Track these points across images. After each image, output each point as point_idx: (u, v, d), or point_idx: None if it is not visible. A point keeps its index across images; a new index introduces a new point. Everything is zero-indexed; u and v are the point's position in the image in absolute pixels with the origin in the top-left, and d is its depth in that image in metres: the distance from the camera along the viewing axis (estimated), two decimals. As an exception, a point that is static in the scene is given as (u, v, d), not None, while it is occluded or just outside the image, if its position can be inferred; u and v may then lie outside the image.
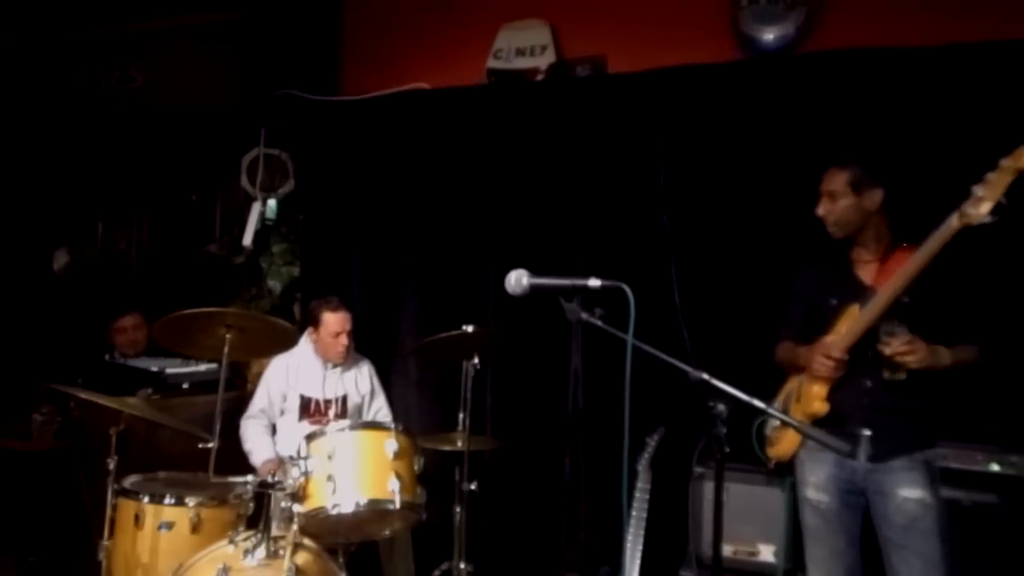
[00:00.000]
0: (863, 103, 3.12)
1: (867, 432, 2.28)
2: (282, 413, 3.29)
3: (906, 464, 2.27)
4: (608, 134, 3.50)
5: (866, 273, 2.40)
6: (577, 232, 3.52)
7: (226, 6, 4.39)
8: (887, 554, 2.28)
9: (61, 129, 4.78)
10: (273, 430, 3.29)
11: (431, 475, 2.68)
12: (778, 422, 2.52)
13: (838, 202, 2.36)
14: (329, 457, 2.45)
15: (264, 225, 4.13)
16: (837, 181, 2.36)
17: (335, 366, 3.32)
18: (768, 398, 2.67)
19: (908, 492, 2.24)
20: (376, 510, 2.49)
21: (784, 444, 2.49)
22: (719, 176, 3.32)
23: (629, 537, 2.52)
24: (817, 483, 2.37)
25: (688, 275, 3.31)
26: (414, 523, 2.64)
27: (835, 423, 2.27)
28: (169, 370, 3.38)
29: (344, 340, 3.24)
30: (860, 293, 2.35)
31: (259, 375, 3.38)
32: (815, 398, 2.34)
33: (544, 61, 3.66)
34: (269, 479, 2.45)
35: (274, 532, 2.35)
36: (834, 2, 3.33)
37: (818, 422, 2.28)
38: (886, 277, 2.36)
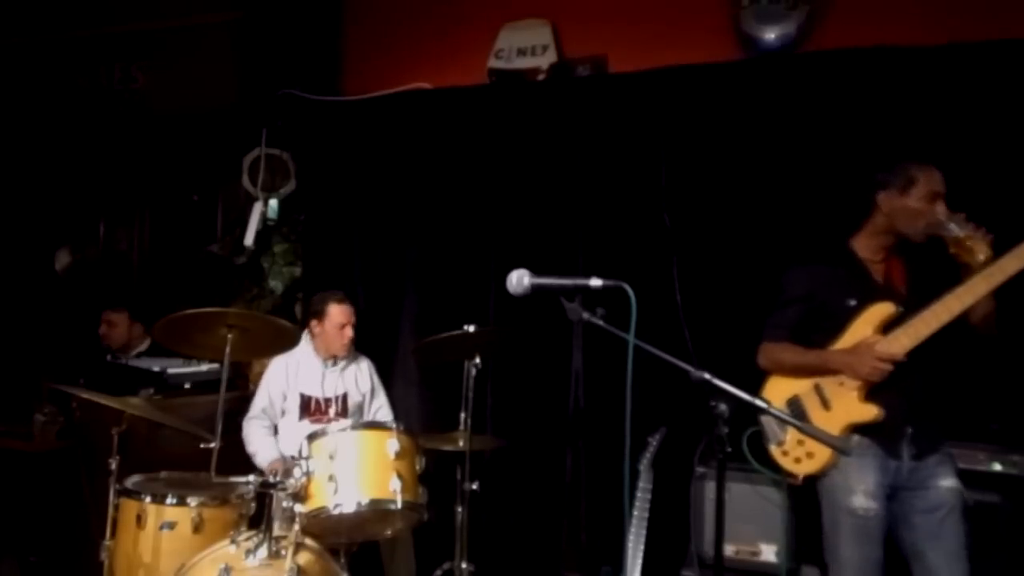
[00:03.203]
0: (864, 102, 3.11)
1: (910, 430, 2.28)
2: (283, 413, 3.29)
3: (940, 457, 2.31)
4: (609, 134, 3.50)
5: (877, 273, 2.39)
6: (578, 232, 3.52)
7: (227, 6, 4.39)
8: (922, 551, 2.26)
9: (63, 129, 4.79)
10: (275, 430, 3.30)
11: (432, 475, 2.68)
12: (786, 435, 2.44)
13: None
14: (331, 457, 2.45)
15: (265, 225, 4.13)
16: None
17: (335, 364, 3.32)
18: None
19: (947, 482, 2.27)
20: (378, 510, 2.49)
21: (820, 456, 2.36)
22: (720, 175, 3.32)
23: (631, 537, 2.52)
24: (867, 490, 2.29)
25: (690, 275, 3.31)
26: (416, 523, 2.64)
27: (879, 425, 2.27)
28: (171, 370, 3.38)
29: (349, 332, 3.26)
30: (879, 292, 2.33)
31: (261, 375, 3.39)
32: (861, 402, 2.30)
33: (545, 61, 3.67)
34: (271, 479, 2.45)
35: (276, 532, 2.35)
36: (835, 2, 3.33)
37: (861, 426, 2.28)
38: (894, 277, 2.36)
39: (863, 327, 2.32)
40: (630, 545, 2.51)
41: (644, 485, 2.61)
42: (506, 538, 3.51)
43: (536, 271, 1.97)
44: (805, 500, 2.80)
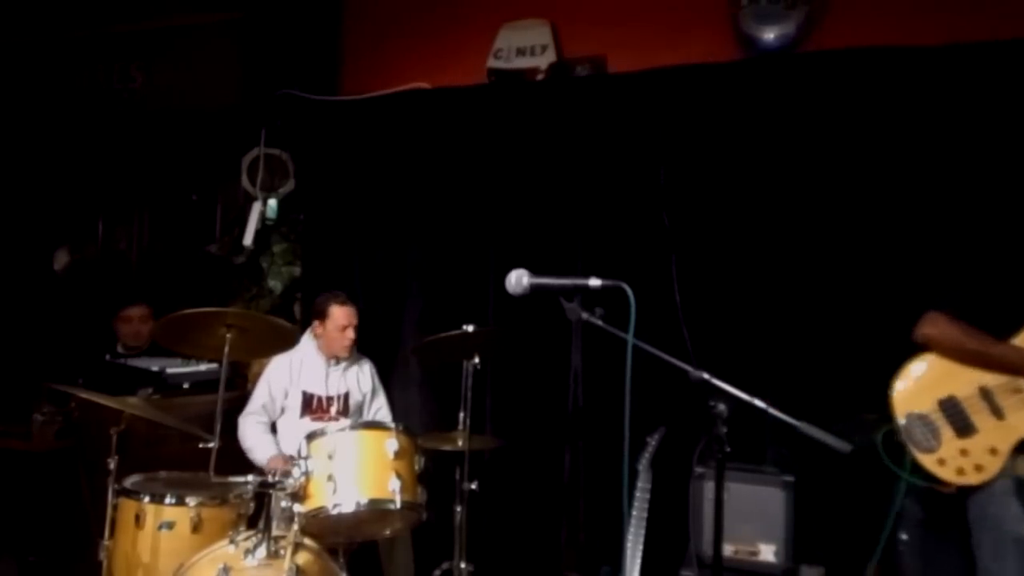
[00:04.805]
0: (863, 102, 3.12)
1: None
2: (283, 411, 3.29)
3: None
4: (608, 133, 3.50)
5: None
6: (577, 231, 3.52)
7: (227, 6, 4.39)
8: None
9: (62, 129, 4.79)
10: (273, 428, 3.29)
11: (431, 475, 2.68)
12: (939, 444, 2.24)
13: None
14: (329, 457, 2.45)
15: (265, 225, 4.13)
16: None
17: (338, 363, 3.32)
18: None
19: None
20: (377, 510, 2.49)
21: (991, 469, 2.20)
22: (719, 175, 3.32)
23: (629, 537, 2.52)
24: None
25: (688, 274, 3.31)
26: (415, 523, 2.64)
27: None
28: (170, 370, 3.38)
29: (351, 334, 3.25)
30: None
31: (259, 375, 3.38)
32: None
33: (544, 61, 3.67)
34: (270, 478, 2.45)
35: (275, 532, 2.35)
36: (834, 1, 3.33)
37: None
38: None
39: None
40: (629, 545, 2.51)
41: (643, 485, 2.61)
42: (505, 538, 3.51)
43: (535, 271, 1.98)
44: (805, 501, 2.80)
